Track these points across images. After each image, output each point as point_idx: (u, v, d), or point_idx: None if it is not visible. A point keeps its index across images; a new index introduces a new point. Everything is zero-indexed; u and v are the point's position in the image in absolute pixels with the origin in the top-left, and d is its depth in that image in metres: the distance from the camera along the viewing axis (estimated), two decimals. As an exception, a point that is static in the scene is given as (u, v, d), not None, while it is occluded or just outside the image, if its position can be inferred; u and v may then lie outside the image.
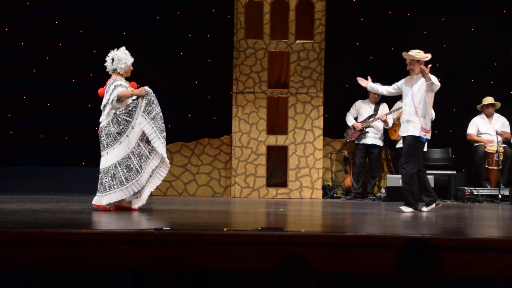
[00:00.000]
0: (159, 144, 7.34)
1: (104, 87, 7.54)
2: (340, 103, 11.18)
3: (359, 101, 11.12)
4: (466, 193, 10.17)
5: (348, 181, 11.25)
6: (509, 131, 10.77)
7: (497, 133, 10.41)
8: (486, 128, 10.75)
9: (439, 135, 11.31)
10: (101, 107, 7.49)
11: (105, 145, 7.44)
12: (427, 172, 10.68)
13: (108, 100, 7.41)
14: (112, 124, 7.40)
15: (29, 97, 11.38)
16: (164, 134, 7.39)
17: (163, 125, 7.39)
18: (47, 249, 4.67)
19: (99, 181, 7.42)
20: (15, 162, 11.03)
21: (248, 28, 11.24)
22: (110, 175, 7.35)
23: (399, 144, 10.81)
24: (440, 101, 10.85)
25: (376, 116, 10.89)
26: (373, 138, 10.98)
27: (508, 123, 10.81)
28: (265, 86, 11.19)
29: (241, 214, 8.07)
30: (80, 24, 11.42)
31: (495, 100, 10.79)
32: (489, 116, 10.81)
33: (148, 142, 7.39)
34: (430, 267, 3.44)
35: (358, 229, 6.05)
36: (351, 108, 11.12)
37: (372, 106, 11.04)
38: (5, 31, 11.38)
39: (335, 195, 11.16)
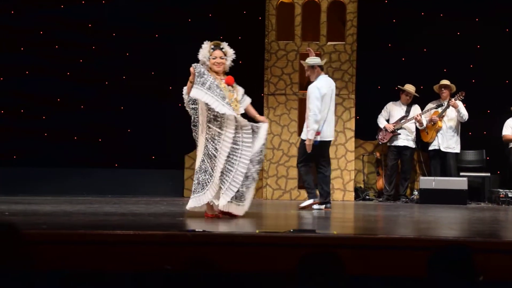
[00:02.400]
0: (226, 110, 6.71)
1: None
2: (372, 104, 11.12)
3: (391, 102, 11.05)
4: (501, 196, 10.06)
5: (380, 183, 11.19)
6: (544, 132, 10.63)
7: None
8: (521, 129, 10.64)
9: (472, 137, 11.21)
10: None
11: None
12: (461, 174, 10.65)
13: None
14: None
15: (63, 100, 11.49)
16: (227, 100, 6.81)
17: (222, 92, 6.80)
18: (80, 250, 4.72)
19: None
20: (49, 164, 11.15)
21: (280, 30, 11.23)
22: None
23: (432, 146, 10.74)
24: (474, 103, 10.80)
25: (408, 118, 10.82)
26: (405, 139, 10.90)
27: (543, 124, 10.68)
28: (297, 88, 11.18)
29: (273, 216, 8.07)
30: (111, 27, 11.50)
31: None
32: (524, 117, 10.69)
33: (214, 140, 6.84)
34: (464, 271, 3.40)
35: (390, 231, 6.02)
36: (383, 110, 11.06)
37: (404, 108, 10.97)
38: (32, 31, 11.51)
39: (367, 197, 11.10)
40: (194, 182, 6.85)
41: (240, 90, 7.09)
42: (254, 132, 6.96)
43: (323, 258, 3.35)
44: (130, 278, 4.63)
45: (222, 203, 6.70)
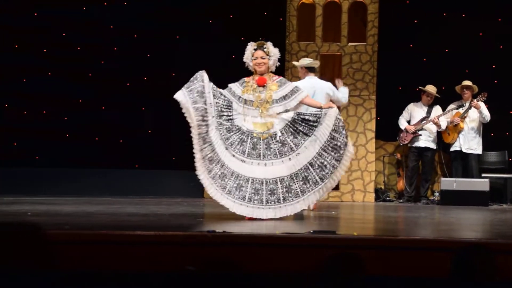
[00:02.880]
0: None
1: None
2: (393, 105, 11.08)
3: (412, 103, 11.01)
4: (523, 197, 10.00)
5: (401, 184, 11.15)
6: None
7: None
8: (543, 130, 10.56)
9: (494, 137, 11.14)
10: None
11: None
12: (483, 175, 10.59)
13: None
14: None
15: (84, 101, 11.57)
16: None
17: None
18: (102, 251, 4.75)
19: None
20: (70, 165, 11.22)
21: (300, 31, 11.23)
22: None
23: (453, 147, 10.69)
24: (496, 104, 10.73)
25: (429, 119, 10.76)
26: (426, 141, 10.85)
27: None
28: (317, 88, 11.15)
29: (292, 217, 8.06)
30: (133, 31, 11.56)
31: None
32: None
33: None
34: (485, 272, 3.39)
35: (411, 233, 5.99)
36: (404, 111, 11.01)
37: (425, 109, 10.92)
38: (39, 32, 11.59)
39: (387, 198, 11.06)
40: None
41: (285, 88, 6.87)
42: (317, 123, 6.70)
43: (344, 259, 3.34)
44: (152, 278, 4.65)
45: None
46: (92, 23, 11.49)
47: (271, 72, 6.95)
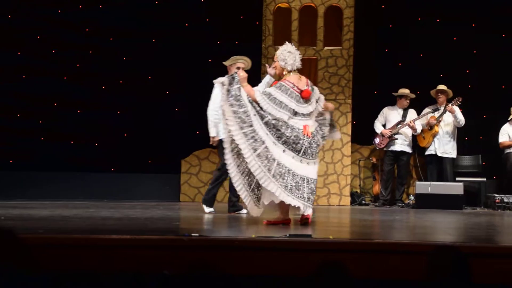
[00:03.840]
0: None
1: (307, 87, 6.75)
2: (369, 109, 11.14)
3: (387, 107, 11.07)
4: (497, 201, 10.07)
5: (377, 188, 11.20)
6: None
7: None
8: (517, 135, 10.65)
9: (469, 142, 11.24)
10: (311, 111, 6.74)
11: (315, 154, 6.67)
12: (457, 179, 10.68)
13: (317, 105, 6.78)
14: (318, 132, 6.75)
15: (59, 103, 11.50)
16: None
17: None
18: (77, 255, 4.72)
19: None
20: (45, 168, 11.15)
21: (277, 35, 11.25)
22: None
23: (428, 151, 10.76)
24: (470, 108, 10.83)
25: (405, 123, 10.83)
26: (401, 144, 10.91)
27: (539, 129, 10.69)
28: (294, 92, 11.18)
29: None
30: (110, 31, 11.52)
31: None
32: (520, 124, 10.71)
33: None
34: (460, 275, 3.41)
35: (386, 236, 6.02)
36: (379, 115, 11.06)
37: (401, 112, 10.98)
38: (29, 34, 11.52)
39: (363, 202, 11.11)
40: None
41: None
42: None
43: (330, 268, 3.35)
44: (128, 280, 4.63)
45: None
46: (68, 25, 11.43)
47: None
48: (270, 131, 6.52)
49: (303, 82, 6.71)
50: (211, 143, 8.49)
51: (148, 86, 11.49)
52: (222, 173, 8.32)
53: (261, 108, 6.57)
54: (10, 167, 11.29)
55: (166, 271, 3.70)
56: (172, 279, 3.22)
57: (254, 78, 11.21)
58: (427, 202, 10.05)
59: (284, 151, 6.49)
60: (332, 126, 6.87)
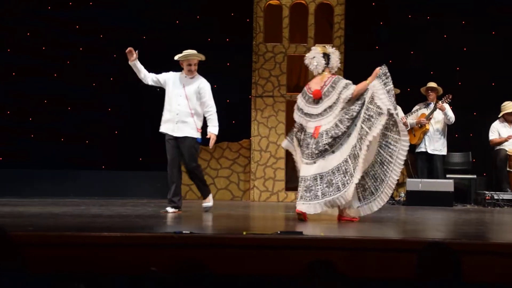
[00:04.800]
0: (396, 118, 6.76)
1: (319, 88, 6.92)
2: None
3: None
4: (487, 198, 10.10)
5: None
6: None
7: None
8: (507, 133, 10.66)
9: (459, 139, 11.26)
10: (323, 110, 6.87)
11: (328, 148, 6.75)
12: (448, 176, 10.70)
13: (338, 99, 6.82)
14: (337, 126, 6.77)
15: (50, 101, 11.46)
16: (397, 111, 6.94)
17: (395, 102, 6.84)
18: (67, 252, 4.71)
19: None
20: (36, 165, 11.11)
21: (267, 32, 11.25)
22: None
23: (419, 148, 10.78)
24: (460, 105, 10.85)
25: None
26: (392, 142, 10.90)
27: (528, 126, 10.72)
28: (284, 90, 11.19)
29: (260, 218, 8.07)
30: (100, 28, 11.49)
31: (515, 104, 10.70)
32: (509, 121, 10.72)
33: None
34: (450, 272, 3.42)
35: (377, 233, 6.03)
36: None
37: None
38: (14, 33, 11.47)
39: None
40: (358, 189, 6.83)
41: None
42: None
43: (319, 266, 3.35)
44: (119, 279, 4.62)
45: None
46: (57, 22, 11.39)
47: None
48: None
49: (321, 82, 6.94)
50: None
51: (139, 84, 11.45)
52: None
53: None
54: (0, 165, 11.25)
55: (154, 268, 3.70)
56: (171, 279, 3.22)
57: (246, 75, 11.25)
58: (417, 199, 10.08)
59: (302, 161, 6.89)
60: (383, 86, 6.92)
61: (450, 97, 10.49)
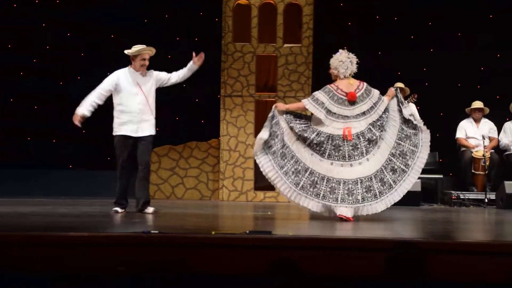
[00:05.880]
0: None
1: (355, 91, 7.19)
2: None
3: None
4: (453, 197, 10.21)
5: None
6: (496, 136, 10.80)
7: (483, 138, 10.42)
8: (473, 132, 10.79)
9: (426, 139, 11.36)
10: (357, 113, 7.10)
11: (364, 151, 7.01)
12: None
13: (373, 109, 7.17)
14: (370, 130, 7.06)
15: (16, 99, 11.35)
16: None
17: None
18: (34, 252, 4.66)
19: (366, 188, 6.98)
20: (2, 165, 10.99)
21: (236, 32, 11.25)
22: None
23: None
24: (427, 105, 10.96)
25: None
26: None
27: (495, 128, 10.84)
28: (253, 89, 11.21)
29: (229, 218, 8.08)
30: (69, 25, 11.41)
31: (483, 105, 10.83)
32: (476, 120, 10.84)
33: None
34: (417, 271, 3.46)
35: (345, 233, 6.07)
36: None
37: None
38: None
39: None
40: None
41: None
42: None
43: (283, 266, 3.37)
44: (87, 279, 4.60)
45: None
46: (25, 20, 11.29)
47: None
48: (314, 151, 6.98)
49: (353, 86, 7.22)
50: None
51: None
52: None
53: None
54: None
55: (122, 267, 3.70)
56: (171, 279, 3.22)
57: (214, 74, 11.24)
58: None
59: (332, 163, 6.95)
60: (399, 109, 7.31)
61: (416, 96, 10.57)
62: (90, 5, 11.27)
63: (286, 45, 11.24)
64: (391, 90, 7.40)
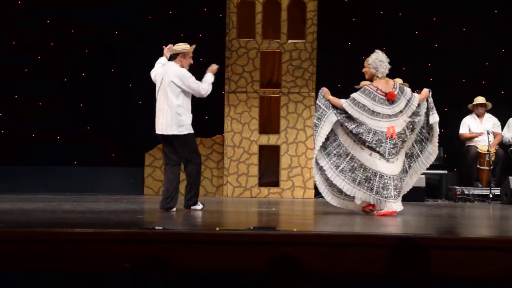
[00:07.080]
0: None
1: (393, 90, 7.42)
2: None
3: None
4: (457, 193, 10.20)
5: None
6: (500, 131, 10.78)
7: (488, 133, 10.40)
8: (477, 128, 10.77)
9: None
10: (397, 112, 7.38)
11: (398, 151, 7.29)
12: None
13: (407, 107, 7.44)
14: (405, 131, 7.35)
15: (21, 97, 11.36)
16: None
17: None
18: (38, 249, 4.67)
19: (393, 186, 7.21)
20: (6, 162, 11.01)
21: (240, 28, 11.24)
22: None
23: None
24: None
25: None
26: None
27: (499, 123, 10.82)
28: (257, 85, 11.20)
29: (233, 214, 8.08)
30: (72, 24, 11.40)
31: (487, 100, 10.81)
32: (480, 116, 10.82)
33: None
34: (421, 267, 3.46)
35: (349, 229, 6.07)
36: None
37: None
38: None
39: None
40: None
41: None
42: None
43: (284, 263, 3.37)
44: (93, 276, 4.61)
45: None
46: (28, 17, 11.29)
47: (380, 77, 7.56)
48: (373, 151, 7.24)
49: (390, 85, 7.40)
50: None
51: (111, 79, 11.41)
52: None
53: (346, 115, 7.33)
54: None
55: (128, 264, 3.70)
56: (174, 279, 3.22)
57: (219, 70, 11.18)
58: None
59: (370, 154, 7.22)
60: (427, 113, 7.58)
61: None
62: (94, 2, 11.25)
63: (290, 41, 11.23)
64: (425, 91, 7.58)
